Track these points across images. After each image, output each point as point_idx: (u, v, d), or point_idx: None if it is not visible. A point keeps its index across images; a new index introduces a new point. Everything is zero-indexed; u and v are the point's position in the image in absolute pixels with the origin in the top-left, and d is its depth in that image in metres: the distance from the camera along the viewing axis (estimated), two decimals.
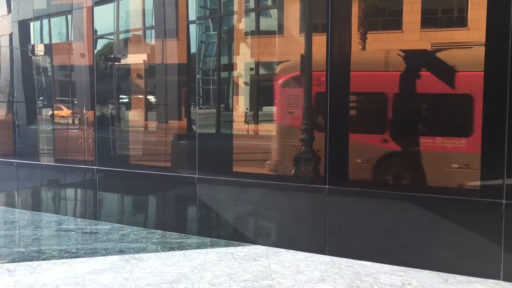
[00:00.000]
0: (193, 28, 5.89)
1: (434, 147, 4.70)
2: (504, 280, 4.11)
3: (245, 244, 5.23)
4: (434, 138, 4.70)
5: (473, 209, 4.25)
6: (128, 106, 6.65)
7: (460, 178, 4.50)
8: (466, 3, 4.57)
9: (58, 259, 4.73)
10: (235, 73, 5.78)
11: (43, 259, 4.72)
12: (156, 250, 5.02)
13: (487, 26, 4.17)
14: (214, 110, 5.90)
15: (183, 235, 5.61)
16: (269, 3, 5.88)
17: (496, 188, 4.16)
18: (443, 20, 4.73)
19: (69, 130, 7.08)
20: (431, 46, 4.68)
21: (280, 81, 5.47)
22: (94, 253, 4.93)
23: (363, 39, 4.82)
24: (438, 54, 4.70)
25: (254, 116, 5.70)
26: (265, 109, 5.79)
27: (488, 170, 4.23)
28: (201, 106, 5.92)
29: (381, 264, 4.54)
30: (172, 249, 5.08)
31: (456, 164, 4.57)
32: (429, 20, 4.75)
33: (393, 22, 4.89)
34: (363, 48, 4.82)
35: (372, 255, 4.63)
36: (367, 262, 4.61)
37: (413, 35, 4.74)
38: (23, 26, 7.27)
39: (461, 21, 4.58)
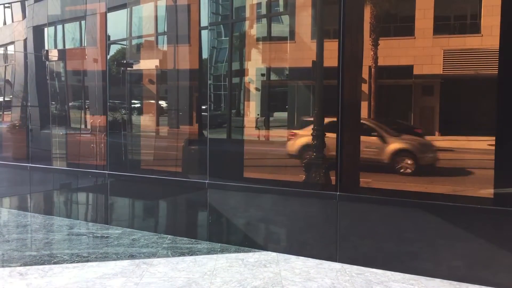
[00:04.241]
0: (205, 34, 5.91)
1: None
2: None
3: (255, 250, 5.22)
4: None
5: (486, 217, 4.20)
6: (140, 111, 6.69)
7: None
8: (479, 9, 4.54)
9: (69, 263, 4.77)
10: (246, 79, 5.79)
11: (54, 263, 4.75)
12: (167, 255, 5.03)
13: (501, 33, 4.14)
14: (225, 116, 5.91)
15: (193, 240, 5.61)
16: (281, 9, 5.88)
17: (509, 196, 4.11)
18: (456, 27, 4.70)
19: (81, 135, 7.14)
20: (444, 53, 4.66)
21: None
22: (105, 257, 4.96)
23: (375, 45, 4.81)
24: None
25: (265, 121, 5.70)
26: (276, 114, 5.79)
27: (502, 178, 4.19)
28: (212, 111, 5.93)
29: (392, 272, 4.50)
30: (182, 254, 5.09)
31: None
32: (442, 26, 4.72)
33: (406, 28, 4.87)
34: (375, 54, 4.80)
35: (383, 263, 4.59)
36: (378, 270, 4.57)
37: (425, 41, 4.71)
38: (38, 32, 7.36)
39: (474, 28, 4.55)
